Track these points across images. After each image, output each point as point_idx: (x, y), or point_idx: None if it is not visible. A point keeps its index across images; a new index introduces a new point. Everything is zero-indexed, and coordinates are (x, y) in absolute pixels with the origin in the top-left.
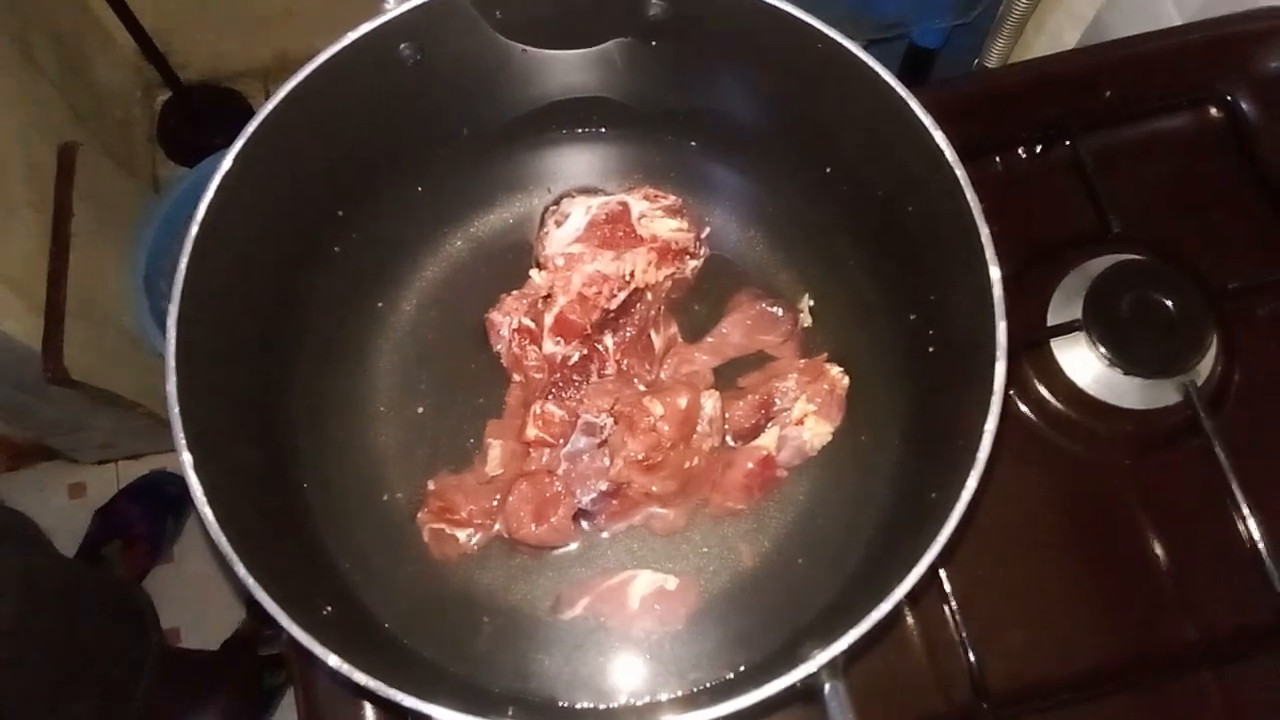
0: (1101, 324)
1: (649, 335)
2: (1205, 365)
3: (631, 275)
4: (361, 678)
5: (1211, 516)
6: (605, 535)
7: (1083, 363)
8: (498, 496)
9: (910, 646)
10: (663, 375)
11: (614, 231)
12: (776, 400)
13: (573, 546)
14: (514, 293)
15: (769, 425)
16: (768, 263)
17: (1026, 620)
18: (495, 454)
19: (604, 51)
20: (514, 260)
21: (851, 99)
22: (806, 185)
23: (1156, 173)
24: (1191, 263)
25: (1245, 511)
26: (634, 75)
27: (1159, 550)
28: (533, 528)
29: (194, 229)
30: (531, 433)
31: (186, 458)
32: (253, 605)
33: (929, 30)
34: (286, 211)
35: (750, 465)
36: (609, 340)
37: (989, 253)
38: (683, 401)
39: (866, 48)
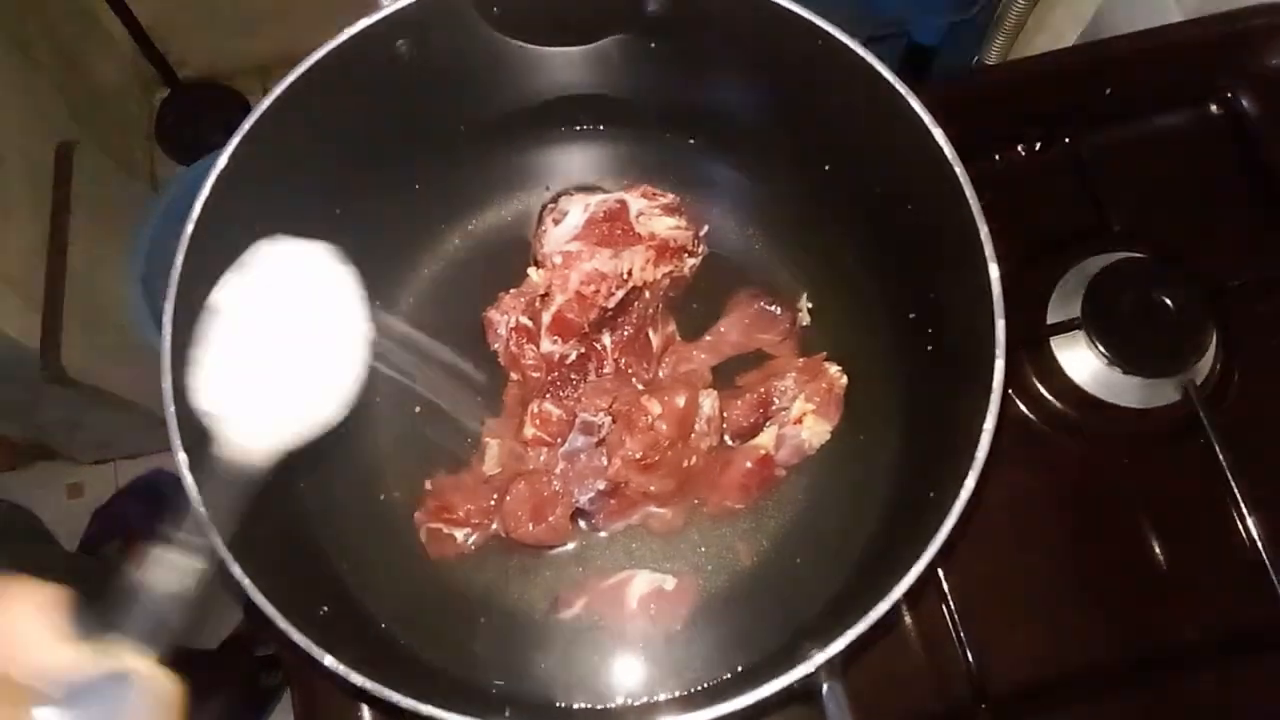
0: (1101, 322)
1: (647, 334)
2: (1205, 364)
3: (629, 274)
4: (358, 678)
5: (1211, 515)
6: (603, 535)
7: (1082, 361)
8: (495, 496)
9: (909, 646)
10: (661, 374)
11: (612, 229)
12: (775, 399)
13: (570, 546)
14: (512, 291)
15: (767, 424)
16: (766, 261)
17: (1025, 620)
18: (493, 453)
19: (602, 48)
20: (511, 258)
21: (850, 96)
22: (805, 183)
23: (1157, 170)
24: (1191, 261)
25: (1245, 510)
26: (632, 72)
27: (1158, 549)
28: (530, 527)
29: (189, 226)
30: (529, 432)
31: (182, 457)
32: (250, 605)
33: (928, 28)
34: (282, 210)
35: (748, 464)
36: (607, 339)
37: (988, 251)
38: (681, 400)
39: (865, 45)
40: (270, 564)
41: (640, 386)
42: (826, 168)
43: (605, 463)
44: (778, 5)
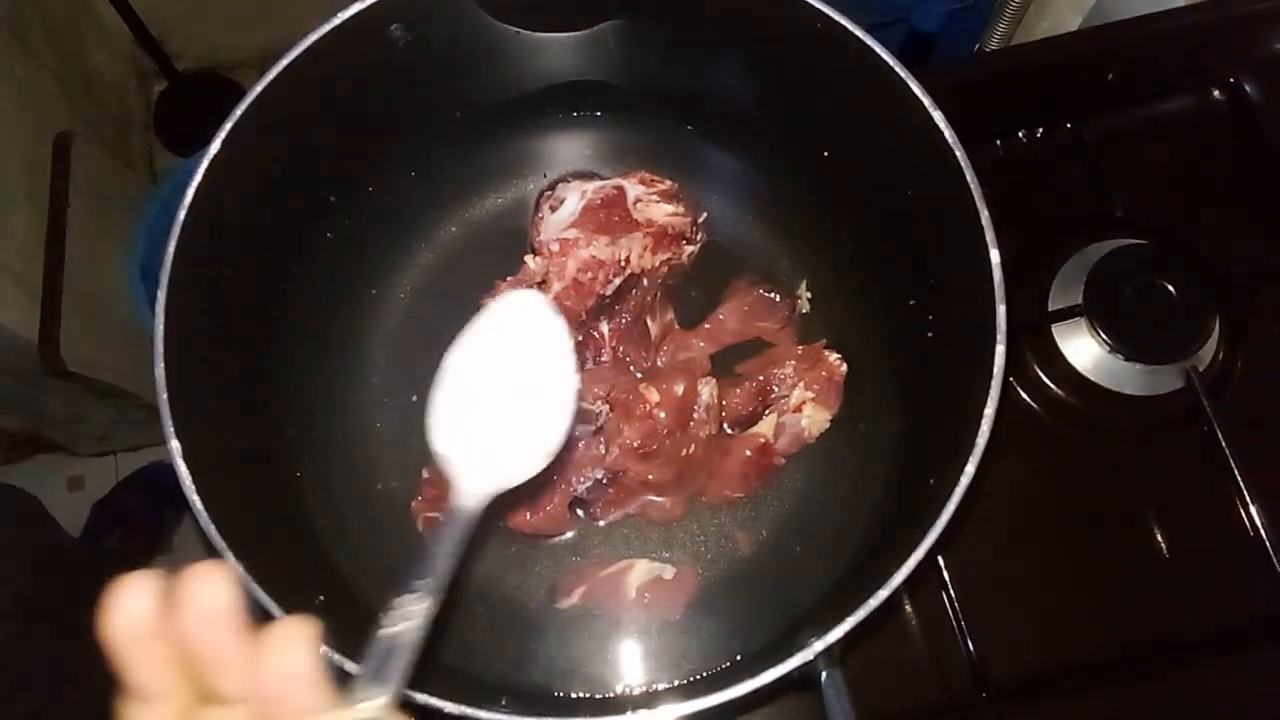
0: (1103, 309)
1: (645, 322)
2: (1207, 351)
3: (627, 261)
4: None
5: (1213, 503)
6: (601, 524)
7: (1084, 348)
8: None
9: (908, 635)
10: (659, 362)
11: (610, 216)
12: (774, 387)
13: (568, 535)
14: (509, 279)
15: (766, 412)
16: (765, 248)
17: (1026, 609)
18: None
19: (598, 34)
20: (509, 246)
21: (851, 81)
22: (804, 170)
23: (1159, 156)
24: (1194, 247)
25: (1247, 498)
26: (629, 58)
27: (1160, 537)
28: (528, 516)
29: (182, 213)
30: None
31: (175, 445)
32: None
33: (929, 14)
34: (277, 197)
35: (747, 453)
36: (605, 326)
37: (989, 237)
38: (679, 388)
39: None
40: (265, 552)
41: (639, 374)
42: (826, 153)
43: (603, 451)
44: None
